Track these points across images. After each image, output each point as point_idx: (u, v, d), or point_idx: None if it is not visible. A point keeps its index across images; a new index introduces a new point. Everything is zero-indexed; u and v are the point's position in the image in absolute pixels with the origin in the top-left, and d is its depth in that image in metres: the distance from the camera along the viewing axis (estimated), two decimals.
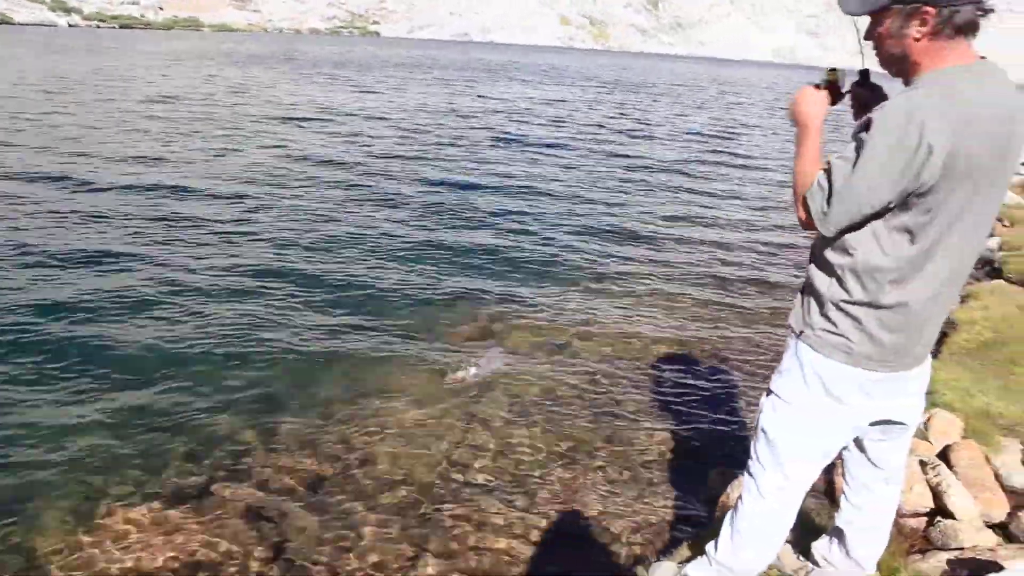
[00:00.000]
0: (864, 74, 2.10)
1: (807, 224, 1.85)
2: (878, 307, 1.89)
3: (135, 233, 7.03)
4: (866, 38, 1.96)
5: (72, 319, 5.08)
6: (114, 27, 74.55)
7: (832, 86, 2.04)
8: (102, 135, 12.35)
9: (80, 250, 6.37)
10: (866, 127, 1.76)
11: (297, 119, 16.02)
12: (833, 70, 2.02)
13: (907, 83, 1.85)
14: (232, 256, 6.60)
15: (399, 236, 7.55)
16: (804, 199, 1.84)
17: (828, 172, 1.80)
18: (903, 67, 1.88)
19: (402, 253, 7.06)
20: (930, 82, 1.76)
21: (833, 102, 2.09)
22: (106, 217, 7.47)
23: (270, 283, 6.09)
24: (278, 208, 8.45)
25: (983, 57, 1.82)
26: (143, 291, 5.71)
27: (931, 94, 1.71)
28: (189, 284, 5.92)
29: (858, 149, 1.74)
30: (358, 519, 3.29)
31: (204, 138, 12.82)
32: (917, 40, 1.81)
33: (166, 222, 7.54)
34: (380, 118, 17.02)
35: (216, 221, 7.68)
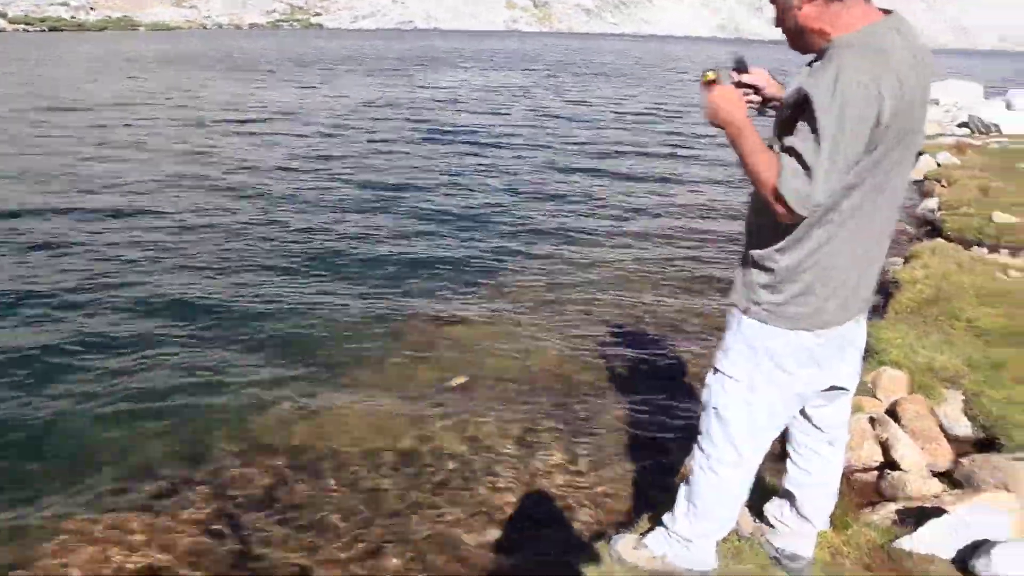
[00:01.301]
0: (740, 62, 2.12)
1: (786, 212, 1.78)
2: (822, 267, 1.92)
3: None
4: (775, 25, 2.00)
5: None
6: (43, 30, 71.59)
7: (715, 84, 2.04)
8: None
9: None
10: (802, 103, 1.77)
11: (218, 121, 15.15)
12: (708, 71, 2.04)
13: (819, 56, 1.86)
14: (156, 274, 6.43)
15: (331, 242, 7.40)
16: (775, 189, 1.78)
17: (797, 156, 1.74)
18: (806, 40, 1.91)
19: (343, 256, 6.96)
20: (855, 45, 1.77)
21: None
22: None
23: (193, 293, 5.96)
24: (182, 222, 7.94)
25: (888, 10, 1.85)
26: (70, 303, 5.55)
27: (865, 56, 1.73)
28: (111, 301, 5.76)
29: (814, 125, 1.72)
30: (319, 516, 3.26)
31: (113, 147, 11.90)
32: (800, 8, 1.86)
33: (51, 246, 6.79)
34: (307, 116, 16.25)
35: (117, 234, 7.24)
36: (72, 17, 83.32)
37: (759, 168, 1.83)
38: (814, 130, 1.72)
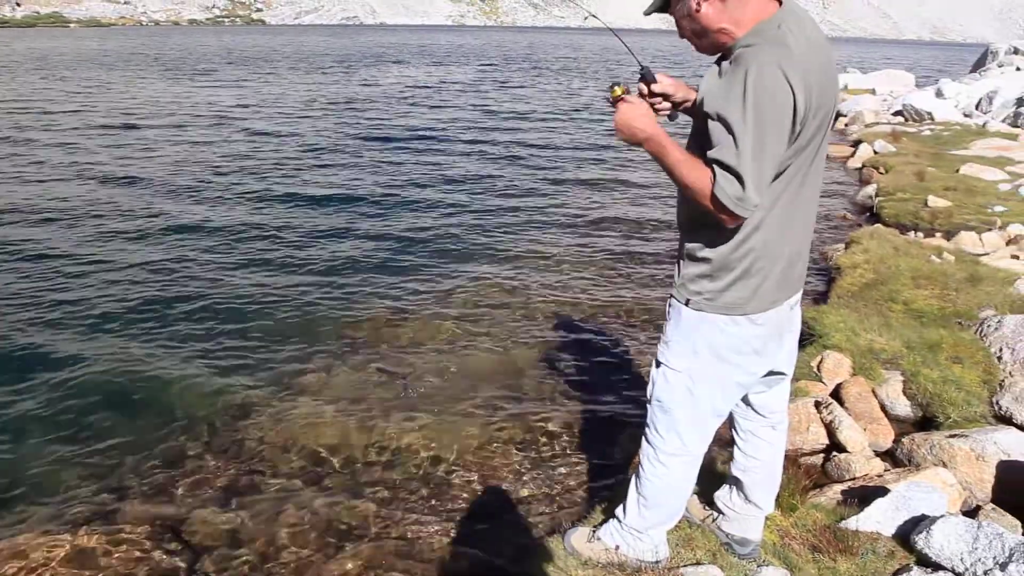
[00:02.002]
0: (646, 73, 2.12)
1: (729, 217, 1.79)
2: (756, 252, 1.95)
3: None
4: (680, 36, 2.02)
5: None
6: None
7: (623, 100, 2.04)
8: None
9: None
10: (714, 110, 1.78)
11: (132, 128, 13.90)
12: (614, 86, 2.05)
13: (726, 55, 1.88)
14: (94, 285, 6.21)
15: (274, 246, 7.21)
16: (713, 198, 1.78)
17: (722, 164, 1.74)
18: (711, 40, 1.93)
19: (288, 259, 6.81)
20: (757, 43, 1.79)
21: None
22: None
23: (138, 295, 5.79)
24: (115, 227, 7.57)
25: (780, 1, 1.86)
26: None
27: (769, 52, 1.75)
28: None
29: (732, 130, 1.73)
30: (275, 518, 3.19)
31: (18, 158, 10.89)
32: (699, 10, 1.88)
33: None
34: (238, 120, 15.29)
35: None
36: None
37: (690, 179, 1.83)
38: (732, 135, 1.73)
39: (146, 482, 3.44)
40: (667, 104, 2.17)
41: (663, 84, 2.13)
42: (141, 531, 3.11)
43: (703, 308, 2.05)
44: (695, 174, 1.82)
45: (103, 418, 3.96)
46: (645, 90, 2.13)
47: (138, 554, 2.99)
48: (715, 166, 1.77)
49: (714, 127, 1.78)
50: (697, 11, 1.88)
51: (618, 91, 2.03)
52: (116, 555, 2.98)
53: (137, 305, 5.47)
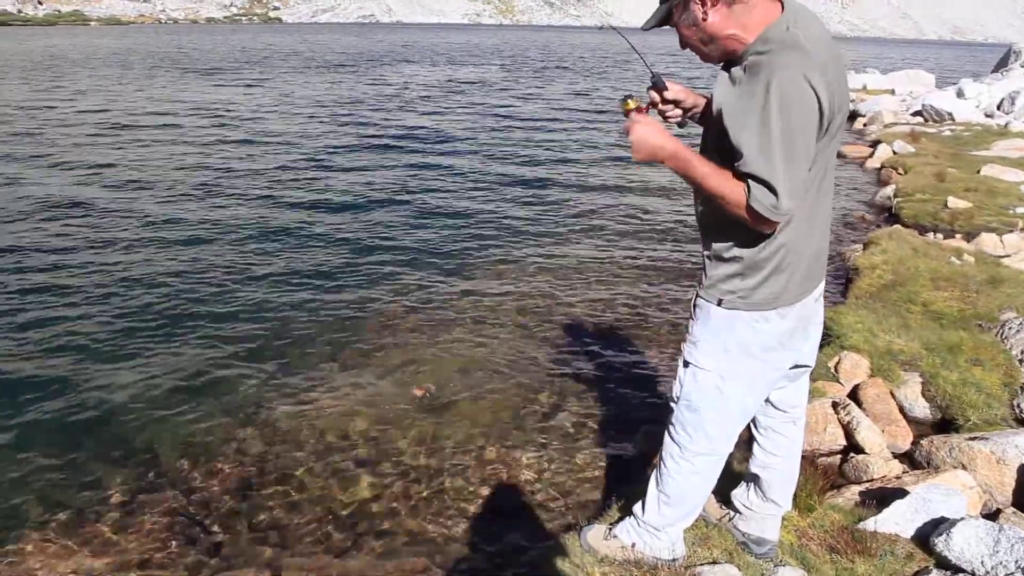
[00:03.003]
0: (657, 81, 2.12)
1: (767, 224, 1.80)
2: (786, 248, 1.96)
3: None
4: (682, 47, 2.01)
5: None
6: None
7: (637, 111, 2.03)
8: None
9: None
10: (733, 119, 1.79)
11: (135, 128, 13.68)
12: (627, 99, 2.04)
13: (737, 61, 1.87)
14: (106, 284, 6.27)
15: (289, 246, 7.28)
16: (749, 209, 1.78)
17: (755, 177, 1.74)
18: (721, 49, 1.92)
19: (298, 259, 6.84)
20: (773, 46, 1.78)
21: None
22: None
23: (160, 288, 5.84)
24: (117, 225, 7.59)
25: (782, 1, 1.86)
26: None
27: (787, 55, 1.75)
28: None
29: (758, 139, 1.73)
30: (290, 514, 3.22)
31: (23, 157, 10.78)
32: (706, 19, 1.87)
33: None
34: (247, 120, 15.01)
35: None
36: (19, 11, 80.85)
37: (723, 191, 1.82)
38: (761, 145, 1.72)
39: (162, 476, 3.48)
40: (678, 111, 2.18)
41: (674, 91, 2.14)
42: (157, 523, 3.15)
43: (736, 307, 2.05)
44: (728, 186, 1.81)
45: (109, 417, 3.99)
46: (657, 98, 2.14)
47: (156, 545, 3.03)
48: (749, 179, 1.77)
49: (740, 138, 1.77)
50: (704, 19, 1.87)
51: (631, 104, 2.03)
52: (128, 548, 3.02)
53: (144, 305, 5.48)
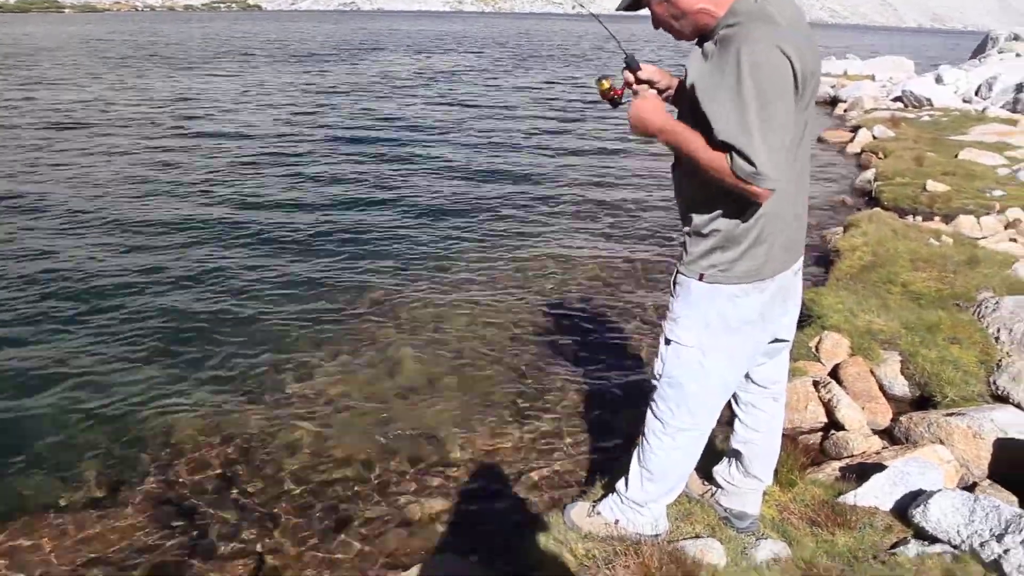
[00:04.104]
0: (631, 61, 2.12)
1: (759, 192, 1.78)
2: (765, 218, 1.96)
3: None
4: (655, 26, 2.01)
5: None
6: None
7: (612, 91, 2.06)
8: None
9: None
10: (703, 92, 1.79)
11: (97, 125, 12.71)
12: (601, 79, 2.04)
13: (709, 36, 1.87)
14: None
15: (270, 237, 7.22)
16: (734, 175, 1.77)
17: (732, 144, 1.74)
18: (692, 24, 1.93)
19: (280, 250, 6.80)
20: (742, 18, 1.79)
21: (619, 104, 2.15)
22: None
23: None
24: (94, 217, 7.58)
25: None
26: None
27: (758, 27, 1.76)
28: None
29: (731, 107, 1.73)
30: (277, 502, 3.21)
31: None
32: None
33: None
34: (221, 112, 14.35)
35: None
36: None
37: (714, 163, 1.82)
38: (735, 114, 1.72)
39: (143, 469, 3.44)
40: (652, 92, 2.17)
41: (647, 72, 2.14)
42: (138, 516, 3.13)
43: (718, 280, 2.05)
44: (710, 156, 1.82)
45: (89, 411, 3.94)
46: (631, 78, 2.14)
47: (138, 537, 3.01)
48: (728, 147, 1.77)
49: (712, 109, 1.78)
50: None
51: (605, 84, 2.04)
52: (113, 537, 3.00)
53: (121, 302, 5.38)
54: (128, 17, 73.27)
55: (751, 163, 1.73)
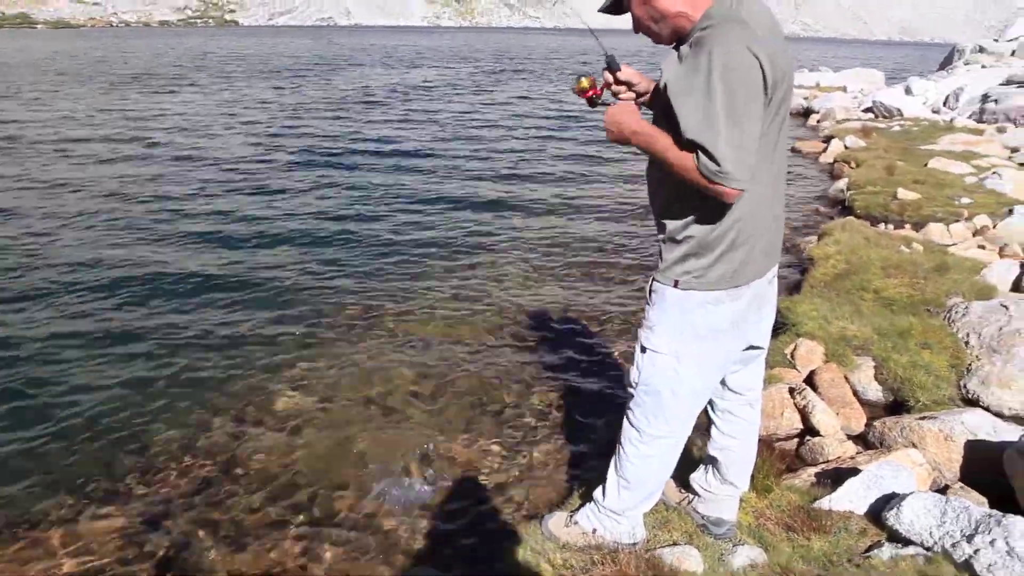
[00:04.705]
0: (611, 62, 2.16)
1: (726, 191, 1.80)
2: (740, 223, 1.98)
3: None
4: (635, 31, 2.05)
5: None
6: None
7: (591, 90, 2.10)
8: None
9: None
10: (672, 93, 1.82)
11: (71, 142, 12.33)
12: (580, 78, 2.08)
13: (684, 40, 1.91)
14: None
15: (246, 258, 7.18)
16: (701, 175, 1.80)
17: (698, 143, 1.77)
18: (671, 27, 1.97)
19: (255, 268, 6.75)
20: (716, 20, 1.83)
21: (596, 103, 2.19)
22: None
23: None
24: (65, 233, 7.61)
25: None
26: None
27: (731, 30, 1.79)
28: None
29: (699, 107, 1.76)
30: (250, 516, 3.17)
31: None
32: None
33: None
34: (183, 132, 13.73)
35: None
36: None
37: (682, 162, 1.85)
38: (703, 113, 1.75)
39: (118, 483, 3.39)
40: (630, 94, 2.20)
41: (627, 73, 2.18)
42: (113, 529, 3.08)
43: (692, 287, 2.06)
44: (679, 155, 1.85)
45: (62, 424, 3.89)
46: (610, 78, 2.17)
47: (112, 550, 2.96)
48: (695, 146, 1.79)
49: (682, 109, 1.81)
50: None
51: (584, 83, 2.06)
52: (80, 559, 2.94)
53: (95, 318, 5.33)
54: (103, 33, 72.58)
55: (716, 162, 1.75)
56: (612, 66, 2.15)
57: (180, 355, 4.64)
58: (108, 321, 5.17)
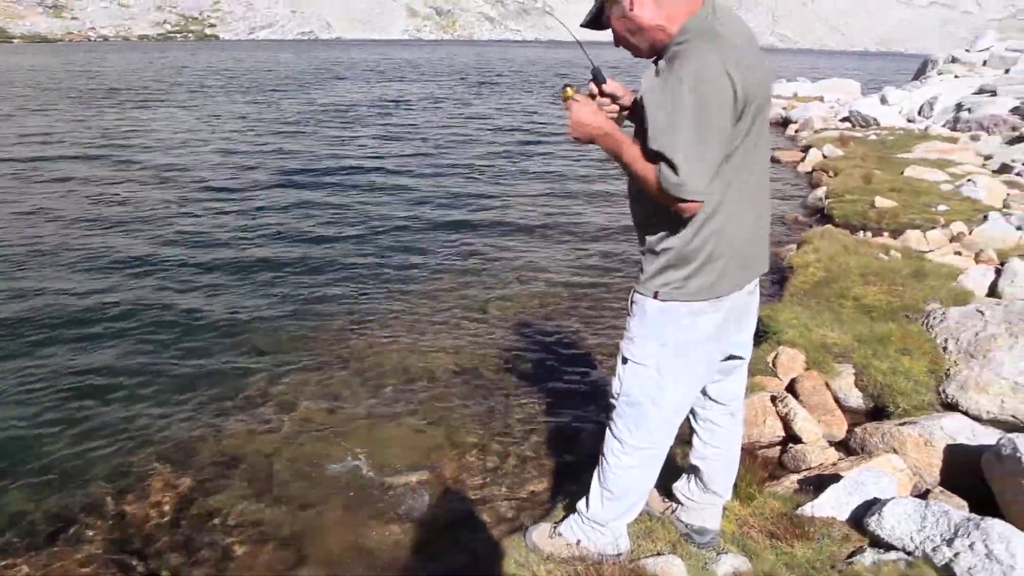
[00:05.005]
0: (596, 74, 2.19)
1: (682, 205, 1.84)
2: (716, 236, 1.99)
3: None
4: (615, 44, 2.08)
5: None
6: None
7: (573, 100, 2.10)
8: None
9: None
10: (643, 104, 1.84)
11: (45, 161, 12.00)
12: (566, 87, 2.11)
13: (663, 53, 1.93)
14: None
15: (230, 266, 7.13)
16: (659, 186, 1.84)
17: (661, 154, 1.80)
18: (648, 41, 1.99)
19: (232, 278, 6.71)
20: (691, 35, 1.85)
21: None
22: None
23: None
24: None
25: None
26: None
27: (704, 44, 1.81)
28: None
29: (666, 119, 1.78)
30: (230, 533, 3.12)
31: None
32: (632, 8, 1.94)
33: None
34: (156, 150, 13.41)
35: None
36: None
37: (645, 173, 1.88)
38: (669, 126, 1.78)
39: (91, 507, 3.34)
40: (615, 107, 2.23)
41: (612, 86, 2.20)
42: (88, 554, 3.03)
43: (672, 298, 2.07)
44: (644, 166, 1.88)
45: (35, 446, 3.83)
46: (596, 90, 2.19)
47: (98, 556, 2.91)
48: (657, 157, 1.82)
49: (651, 120, 1.83)
50: (631, 9, 1.94)
51: (569, 91, 2.08)
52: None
53: (96, 331, 5.30)
54: (81, 47, 72.00)
55: (675, 171, 1.77)
56: (598, 78, 2.17)
57: (144, 386, 4.58)
58: (80, 343, 5.11)
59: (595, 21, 2.08)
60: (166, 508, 3.30)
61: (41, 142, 14.19)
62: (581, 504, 2.53)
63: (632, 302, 2.20)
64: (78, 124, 16.88)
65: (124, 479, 3.50)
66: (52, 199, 9.52)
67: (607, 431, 2.39)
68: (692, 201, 1.83)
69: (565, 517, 2.67)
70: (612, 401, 2.33)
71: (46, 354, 4.83)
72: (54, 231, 7.82)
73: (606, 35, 2.14)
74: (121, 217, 8.64)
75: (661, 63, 1.89)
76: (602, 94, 2.19)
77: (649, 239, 2.09)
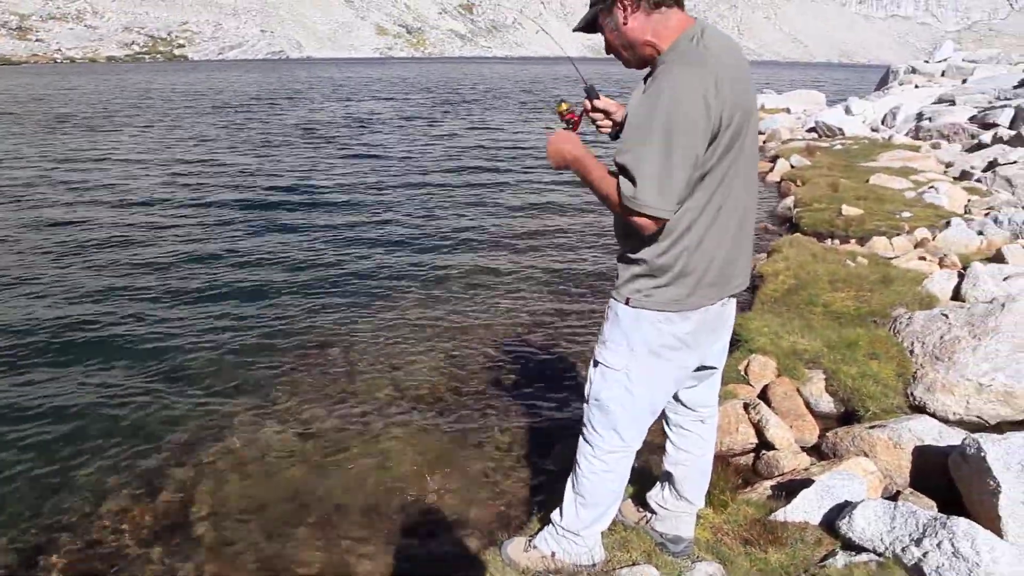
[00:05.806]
0: (590, 90, 2.25)
1: (643, 222, 1.87)
2: (690, 253, 2.01)
3: None
4: (607, 52, 2.12)
5: None
6: None
7: (569, 115, 2.20)
8: None
9: None
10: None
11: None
12: (561, 102, 2.17)
13: (653, 68, 1.96)
14: None
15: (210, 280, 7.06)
16: (619, 202, 1.88)
17: (622, 168, 1.84)
18: (638, 56, 2.02)
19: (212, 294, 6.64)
20: (676, 54, 1.88)
21: (576, 127, 2.26)
22: None
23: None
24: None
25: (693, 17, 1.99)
26: None
27: (685, 66, 1.83)
28: None
29: (635, 135, 1.82)
30: (209, 552, 3.07)
31: None
32: (626, 23, 1.98)
33: None
34: (112, 174, 13.25)
35: None
36: None
37: (609, 192, 1.93)
38: (638, 141, 1.82)
39: (73, 521, 3.26)
40: (608, 122, 2.27)
41: (604, 102, 2.25)
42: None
43: (643, 305, 2.09)
44: (608, 184, 1.92)
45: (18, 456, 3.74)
46: (589, 106, 2.23)
47: None
48: (621, 170, 1.85)
49: (623, 135, 1.88)
50: (624, 24, 1.97)
51: (563, 106, 2.16)
52: None
53: (65, 358, 5.20)
54: (47, 70, 71.07)
55: (634, 183, 1.81)
56: (591, 94, 2.23)
57: (119, 407, 4.52)
58: (42, 369, 5.02)
59: (589, 26, 2.11)
60: (142, 529, 3.23)
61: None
62: (555, 515, 2.53)
63: (608, 307, 2.23)
64: (38, 149, 16.48)
65: (103, 502, 3.43)
66: (6, 225, 9.24)
67: (580, 436, 2.41)
68: (649, 216, 1.84)
69: (540, 530, 2.66)
70: (584, 405, 2.35)
71: (17, 382, 4.73)
72: (7, 254, 7.67)
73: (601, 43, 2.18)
74: (79, 240, 8.46)
75: (648, 80, 1.93)
76: (595, 110, 2.25)
77: (624, 248, 2.13)
